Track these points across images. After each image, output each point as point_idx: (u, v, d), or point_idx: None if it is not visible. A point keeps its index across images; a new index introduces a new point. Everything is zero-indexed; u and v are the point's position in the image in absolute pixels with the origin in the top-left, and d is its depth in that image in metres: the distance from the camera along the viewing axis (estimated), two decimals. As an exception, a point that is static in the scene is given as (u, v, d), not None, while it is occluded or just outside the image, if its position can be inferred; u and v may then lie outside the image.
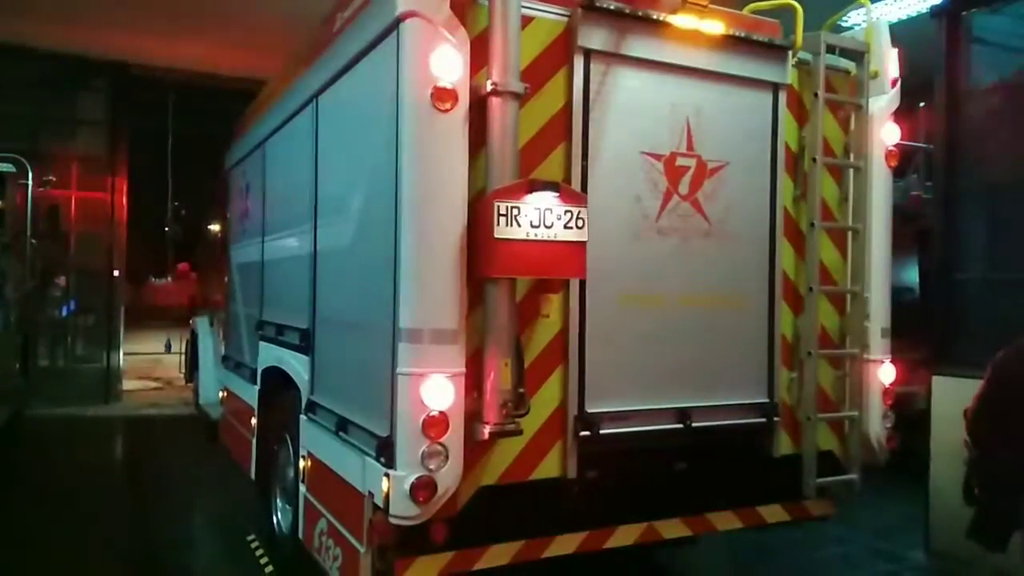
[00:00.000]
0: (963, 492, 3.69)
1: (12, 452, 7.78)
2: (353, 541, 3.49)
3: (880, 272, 4.34)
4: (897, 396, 7.26)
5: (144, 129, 13.14)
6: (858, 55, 4.27)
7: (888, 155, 4.31)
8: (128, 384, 12.76)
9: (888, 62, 4.34)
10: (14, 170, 9.60)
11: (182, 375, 10.69)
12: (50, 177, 10.76)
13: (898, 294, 7.51)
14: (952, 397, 4.96)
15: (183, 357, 10.68)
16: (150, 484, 7.40)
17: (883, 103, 4.31)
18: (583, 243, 3.29)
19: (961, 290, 5.47)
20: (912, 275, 8.01)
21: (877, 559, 5.55)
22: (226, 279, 7.40)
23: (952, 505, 4.92)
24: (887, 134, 4.31)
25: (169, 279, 15.83)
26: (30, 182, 9.90)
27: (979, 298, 5.44)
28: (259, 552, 5.28)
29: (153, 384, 13.93)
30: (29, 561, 5.16)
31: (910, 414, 7.19)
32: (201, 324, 9.08)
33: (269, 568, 5.01)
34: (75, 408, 10.72)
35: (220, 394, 7.49)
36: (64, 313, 11.78)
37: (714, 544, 5.48)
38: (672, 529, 3.92)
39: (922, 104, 8.29)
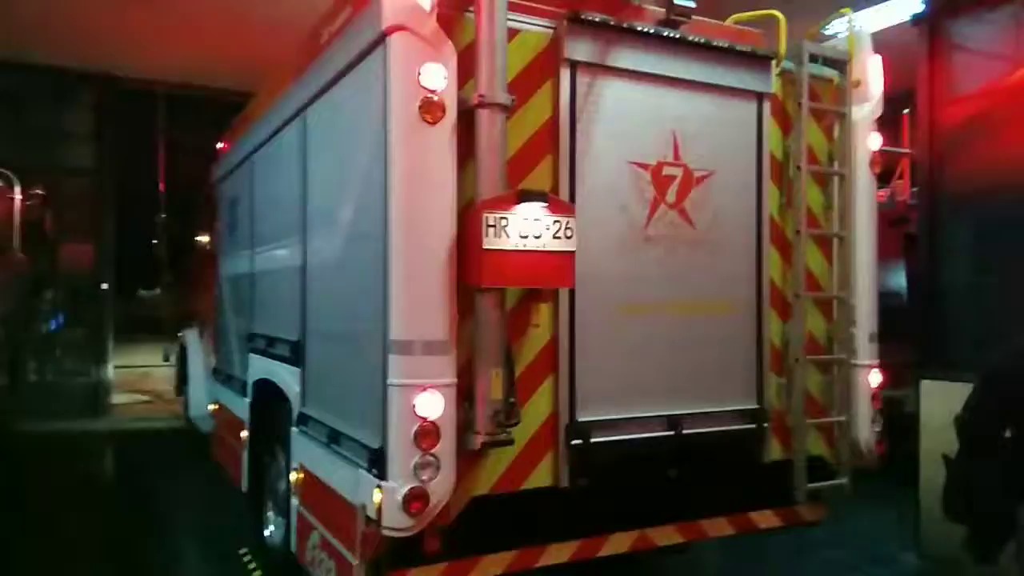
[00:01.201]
0: (944, 505, 3.57)
1: None
2: (346, 554, 3.49)
3: (866, 278, 4.39)
4: (885, 400, 7.34)
5: (133, 140, 13.09)
6: (841, 64, 4.33)
7: (872, 162, 4.37)
8: (118, 398, 12.69)
9: (870, 71, 4.40)
10: (1, 184, 9.51)
11: (172, 387, 10.61)
12: (38, 190, 10.72)
13: (886, 298, 7.55)
14: (940, 401, 4.98)
15: (171, 365, 10.62)
16: (140, 497, 7.34)
17: (866, 111, 4.38)
18: (572, 253, 3.31)
19: (947, 294, 5.51)
20: (899, 279, 8.11)
21: (870, 564, 5.56)
22: (215, 291, 7.38)
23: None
24: (871, 141, 4.37)
25: (158, 291, 15.65)
26: (17, 195, 9.77)
27: (965, 302, 5.49)
28: (252, 565, 5.25)
29: (143, 398, 13.85)
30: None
31: (898, 417, 7.27)
32: (190, 336, 9.05)
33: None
34: (64, 423, 10.66)
35: (210, 407, 7.46)
36: (52, 327, 11.71)
37: (705, 551, 5.48)
38: (665, 536, 3.93)
39: (906, 111, 8.40)
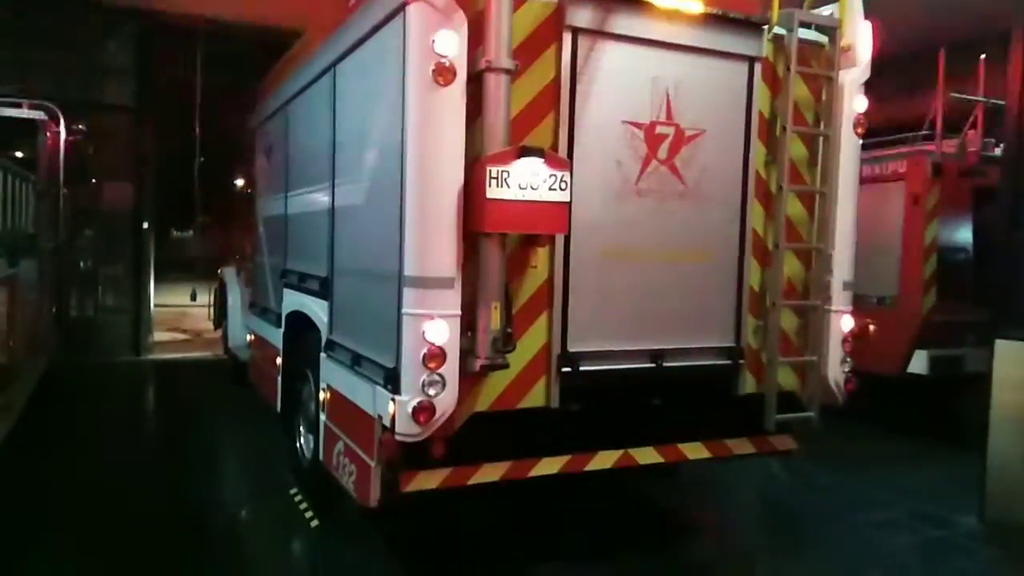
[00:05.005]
0: None
1: (53, 402, 7.90)
2: (365, 457, 4.06)
3: (845, 230, 4.73)
4: (941, 360, 7.15)
5: (172, 78, 12.75)
6: (831, 30, 4.61)
7: (856, 123, 4.68)
8: (158, 336, 12.69)
9: (860, 36, 4.67)
10: (45, 118, 9.15)
11: (211, 322, 11.22)
12: (80, 126, 10.47)
13: (949, 253, 7.64)
14: (1016, 362, 5.03)
15: (210, 307, 11.17)
16: (187, 422, 7.96)
17: (854, 75, 4.66)
18: (566, 203, 3.75)
19: (1024, 249, 5.27)
20: (965, 235, 7.92)
21: (927, 524, 5.48)
22: (252, 231, 7.93)
23: (1012, 472, 5.12)
24: (856, 104, 4.67)
25: (190, 232, 15.82)
26: (62, 130, 9.47)
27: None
28: (303, 506, 5.46)
29: (182, 336, 14.08)
30: (87, 508, 5.42)
31: (956, 378, 7.33)
32: (228, 274, 9.67)
33: (298, 497, 5.56)
34: (108, 358, 10.92)
35: (248, 338, 8.11)
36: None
37: (753, 510, 5.85)
38: (646, 456, 4.44)
39: (983, 56, 8.15)
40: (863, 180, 7.78)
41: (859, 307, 7.57)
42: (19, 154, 9.08)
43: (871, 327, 7.52)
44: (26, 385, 7.10)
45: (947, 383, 7.56)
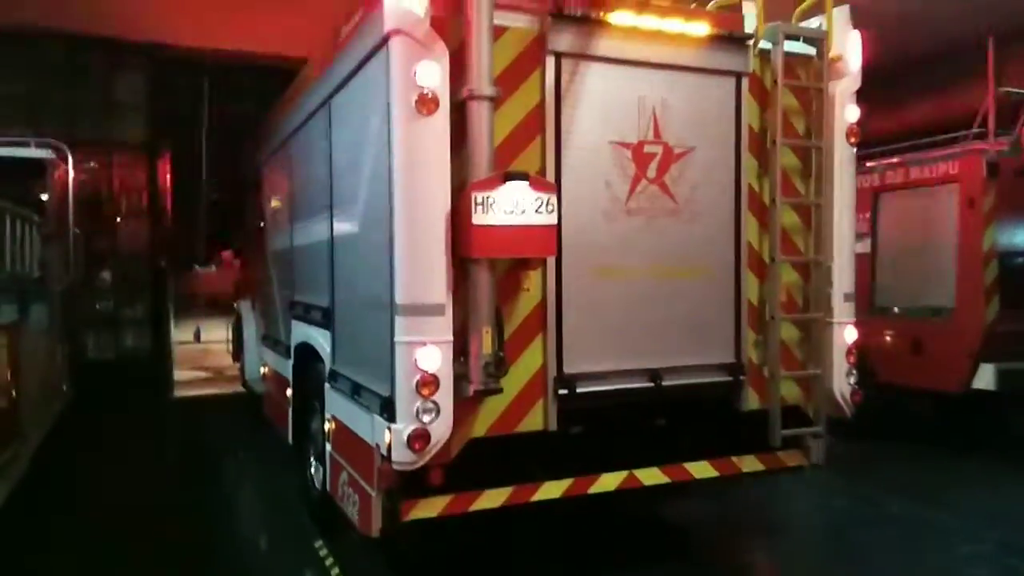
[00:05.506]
0: None
1: (65, 452, 7.50)
2: (366, 487, 4.07)
3: (843, 242, 4.69)
4: (1011, 374, 6.85)
5: (181, 114, 12.79)
6: (818, 42, 4.61)
7: (849, 133, 4.65)
8: (178, 374, 12.37)
9: (849, 46, 4.66)
10: (53, 156, 8.68)
11: (228, 353, 11.27)
12: (91, 164, 10.33)
13: (1011, 259, 7.13)
14: None
15: (228, 342, 11.22)
16: (207, 468, 7.68)
17: (844, 85, 4.65)
18: (553, 225, 3.77)
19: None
20: None
21: (1020, 558, 4.99)
22: (264, 264, 8.05)
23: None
24: (848, 114, 4.65)
25: (213, 268, 15.89)
26: (71, 169, 9.07)
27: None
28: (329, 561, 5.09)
29: (203, 374, 13.64)
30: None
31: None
32: (244, 307, 9.80)
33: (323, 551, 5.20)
34: (126, 400, 10.38)
35: (262, 370, 8.19)
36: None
37: (823, 547, 5.49)
38: (651, 477, 4.40)
39: None
40: (909, 184, 7.79)
41: (913, 320, 7.55)
42: (44, 196, 8.81)
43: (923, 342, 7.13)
44: (36, 436, 6.87)
45: (1019, 398, 7.07)
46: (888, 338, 7.84)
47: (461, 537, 5.07)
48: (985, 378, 7.01)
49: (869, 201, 8.14)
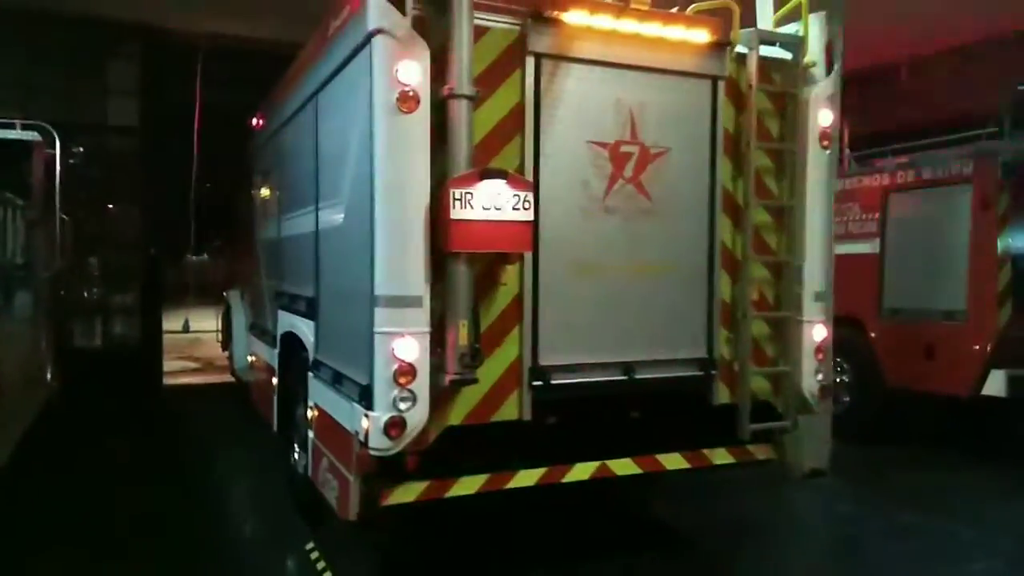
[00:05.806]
0: None
1: (49, 442, 7.49)
2: (345, 472, 4.19)
3: (817, 243, 4.82)
4: (1022, 380, 6.68)
5: (173, 100, 12.68)
6: (794, 46, 4.74)
7: (822, 136, 4.77)
8: (168, 364, 12.30)
9: (823, 52, 4.79)
10: (39, 138, 8.38)
11: (218, 343, 11.36)
12: (79, 148, 9.86)
13: None
14: None
15: (218, 331, 11.31)
16: (195, 458, 7.79)
17: (819, 90, 4.78)
18: (529, 222, 3.89)
19: None
20: None
21: None
22: (253, 254, 8.14)
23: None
24: (822, 118, 4.77)
25: (206, 256, 15.88)
26: (58, 152, 8.71)
27: None
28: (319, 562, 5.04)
29: (193, 365, 13.72)
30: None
31: None
32: (233, 297, 9.89)
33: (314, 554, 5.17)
34: (114, 390, 10.20)
35: (249, 359, 8.29)
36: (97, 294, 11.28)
37: (834, 561, 5.37)
38: (624, 467, 4.53)
39: None
40: (921, 184, 7.65)
41: (922, 322, 7.42)
42: (30, 180, 8.42)
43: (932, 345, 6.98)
44: (17, 426, 6.71)
45: None
46: (897, 341, 7.71)
47: (454, 540, 5.23)
48: (995, 384, 6.88)
49: (879, 201, 8.03)
